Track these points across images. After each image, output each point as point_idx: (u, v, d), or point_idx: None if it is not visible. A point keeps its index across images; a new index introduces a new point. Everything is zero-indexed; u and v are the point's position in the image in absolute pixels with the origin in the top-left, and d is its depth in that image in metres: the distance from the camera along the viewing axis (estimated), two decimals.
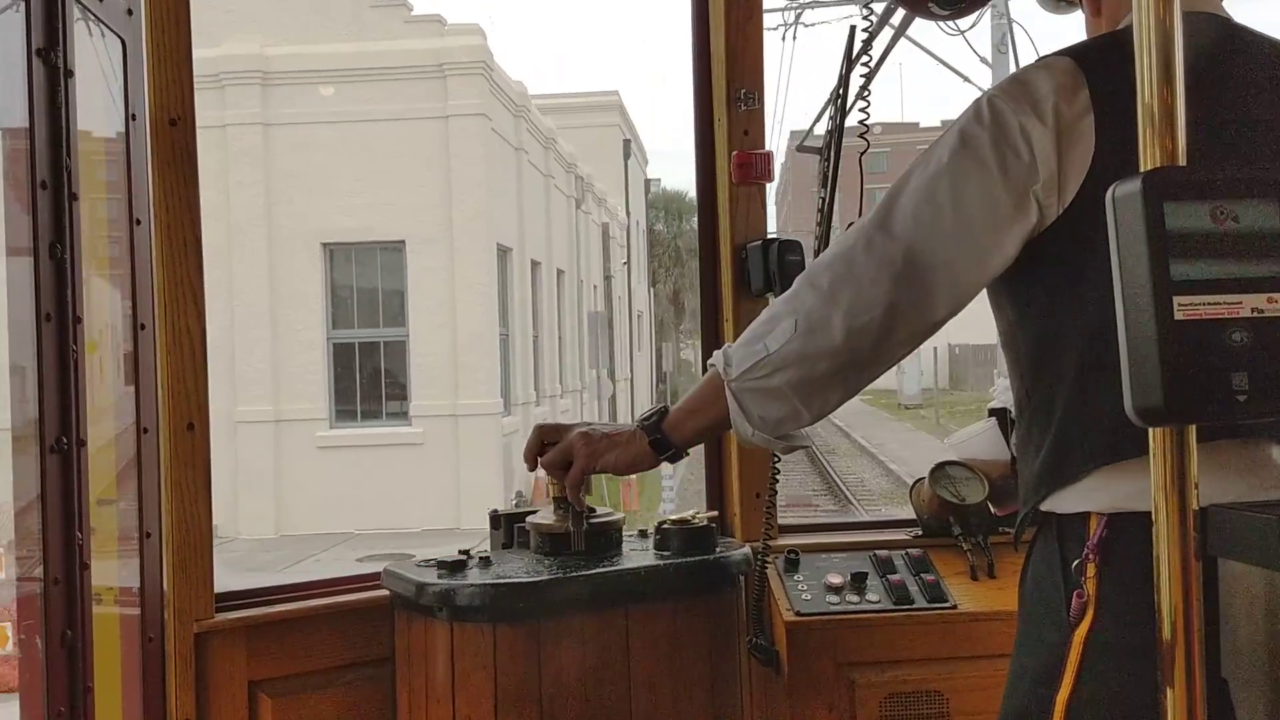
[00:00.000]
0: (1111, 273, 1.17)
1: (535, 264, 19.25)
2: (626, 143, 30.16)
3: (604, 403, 21.51)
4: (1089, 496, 1.22)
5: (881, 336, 1.24)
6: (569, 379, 22.62)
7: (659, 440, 1.42)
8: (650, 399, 33.64)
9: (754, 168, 2.12)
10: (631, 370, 29.68)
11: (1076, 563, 1.21)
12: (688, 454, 1.45)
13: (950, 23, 1.62)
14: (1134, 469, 1.12)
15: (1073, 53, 1.27)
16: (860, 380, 1.29)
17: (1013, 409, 1.36)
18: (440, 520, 14.27)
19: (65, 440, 1.47)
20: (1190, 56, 0.96)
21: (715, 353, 1.35)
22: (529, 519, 1.87)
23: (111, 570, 1.75)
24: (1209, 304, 0.91)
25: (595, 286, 25.79)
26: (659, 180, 48.06)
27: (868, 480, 19.73)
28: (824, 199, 1.86)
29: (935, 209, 1.24)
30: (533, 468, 1.55)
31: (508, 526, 1.94)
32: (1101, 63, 1.24)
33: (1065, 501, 1.24)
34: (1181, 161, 0.93)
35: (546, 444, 1.53)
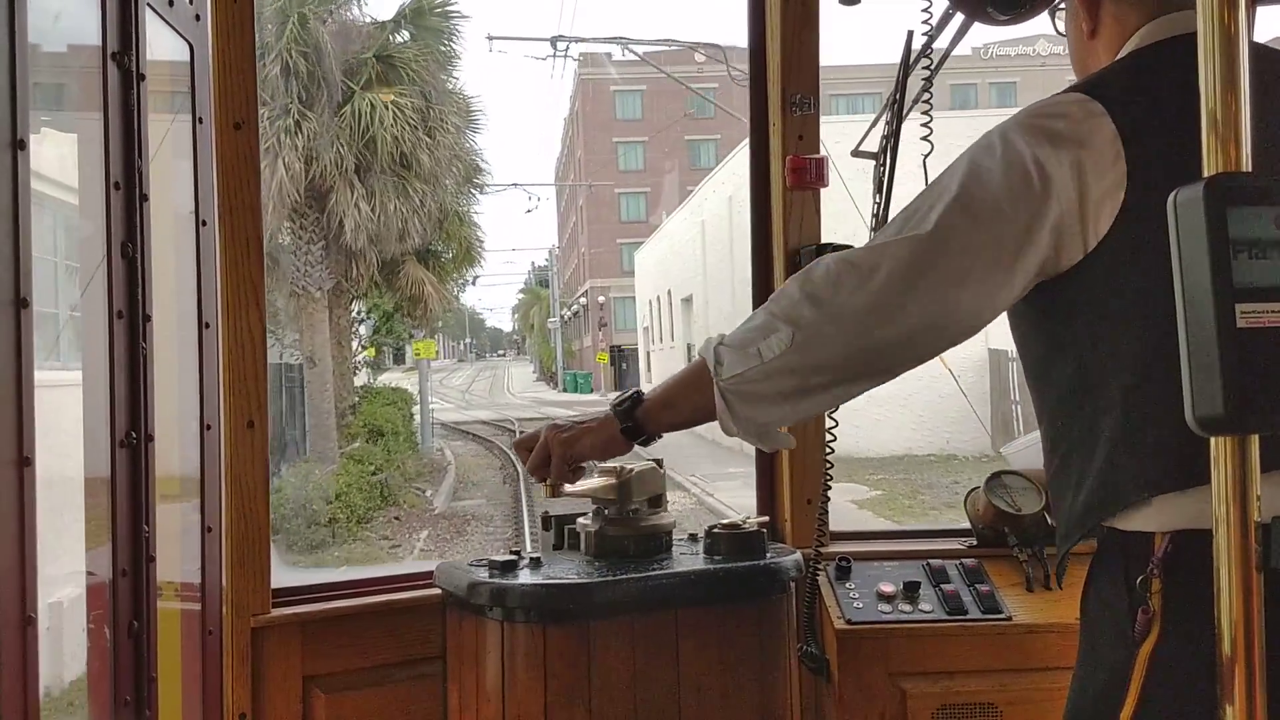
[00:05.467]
0: (1156, 300, 1.16)
1: None
2: None
3: None
4: (1151, 518, 1.19)
5: (871, 358, 1.24)
6: None
7: (630, 428, 1.44)
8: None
9: (808, 172, 2.12)
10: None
11: (1141, 578, 1.18)
12: (659, 437, 1.46)
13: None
14: (1197, 491, 1.10)
15: (1089, 88, 1.25)
16: (851, 392, 1.29)
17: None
18: None
19: (134, 435, 1.51)
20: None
21: (704, 344, 1.34)
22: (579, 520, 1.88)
23: (174, 565, 1.79)
24: (1273, 312, 0.89)
25: None
26: None
27: None
28: (879, 204, 1.85)
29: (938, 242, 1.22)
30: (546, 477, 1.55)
31: (558, 528, 1.96)
32: (1125, 100, 1.22)
33: (1128, 520, 1.22)
34: (1246, 168, 0.92)
35: (528, 453, 1.55)
